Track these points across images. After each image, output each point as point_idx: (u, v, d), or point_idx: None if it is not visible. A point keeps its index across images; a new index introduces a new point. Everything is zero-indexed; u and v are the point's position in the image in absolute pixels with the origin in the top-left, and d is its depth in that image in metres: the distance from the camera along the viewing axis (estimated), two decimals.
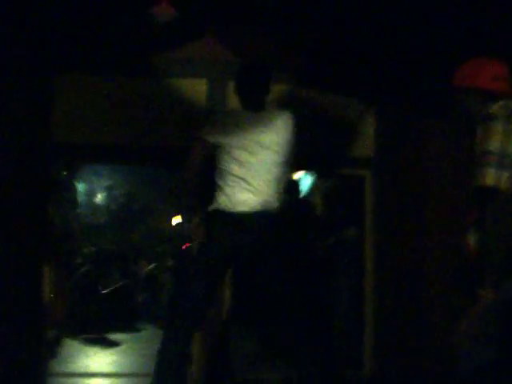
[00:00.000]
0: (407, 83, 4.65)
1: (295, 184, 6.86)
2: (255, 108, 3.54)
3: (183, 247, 10.74)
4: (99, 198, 11.29)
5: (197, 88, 4.63)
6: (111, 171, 10.89)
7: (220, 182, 3.42)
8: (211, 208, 3.43)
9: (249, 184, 3.38)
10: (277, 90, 4.62)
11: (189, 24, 4.53)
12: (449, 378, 3.72)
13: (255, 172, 3.41)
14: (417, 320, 4.63)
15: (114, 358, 5.30)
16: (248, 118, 3.50)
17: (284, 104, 4.64)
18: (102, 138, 4.56)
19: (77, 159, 5.18)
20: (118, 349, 5.75)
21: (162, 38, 4.51)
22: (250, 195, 3.37)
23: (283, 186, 3.58)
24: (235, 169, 3.39)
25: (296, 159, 4.65)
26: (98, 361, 5.19)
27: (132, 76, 4.60)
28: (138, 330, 6.90)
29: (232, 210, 3.35)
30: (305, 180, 7.23)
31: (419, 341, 4.56)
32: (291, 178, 6.80)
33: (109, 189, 11.07)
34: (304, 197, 7.10)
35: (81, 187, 9.88)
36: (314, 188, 7.26)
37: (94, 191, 11.22)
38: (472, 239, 3.15)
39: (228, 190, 3.38)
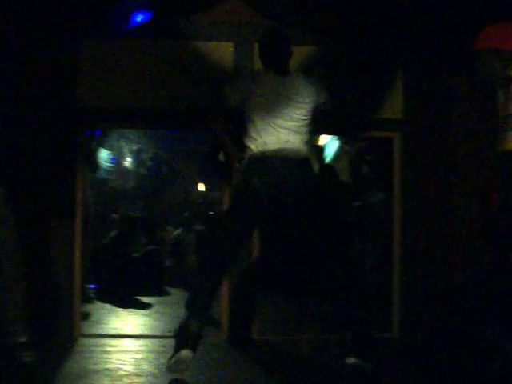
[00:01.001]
0: (434, 44, 4.58)
1: (320, 150, 6.85)
2: (280, 72, 3.70)
3: (210, 213, 10.81)
4: (127, 162, 11.32)
5: (224, 51, 4.60)
6: (139, 135, 10.91)
7: (248, 135, 3.60)
8: (245, 156, 3.60)
9: (277, 131, 3.54)
10: (304, 51, 4.62)
11: None
12: (476, 341, 3.73)
13: (282, 121, 3.57)
14: (445, 283, 4.63)
15: (145, 320, 5.38)
16: (272, 79, 3.66)
17: (310, 65, 4.62)
18: (130, 101, 4.57)
19: (104, 124, 5.17)
20: (147, 311, 5.83)
21: (188, 0, 4.48)
22: (280, 141, 3.52)
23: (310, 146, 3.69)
24: (260, 121, 3.56)
25: (323, 123, 4.67)
26: (129, 322, 5.26)
27: (159, 39, 4.58)
28: (166, 294, 6.98)
29: (264, 155, 3.50)
30: (331, 145, 7.21)
31: (447, 304, 4.56)
32: (316, 144, 6.80)
33: (137, 153, 11.08)
34: (330, 162, 7.09)
35: (108, 152, 9.92)
36: (341, 152, 7.23)
37: (122, 156, 11.24)
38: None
39: (257, 137, 3.54)
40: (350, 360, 3.51)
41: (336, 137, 6.86)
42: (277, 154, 3.50)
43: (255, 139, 3.55)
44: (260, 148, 3.52)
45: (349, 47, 4.73)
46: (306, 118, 3.67)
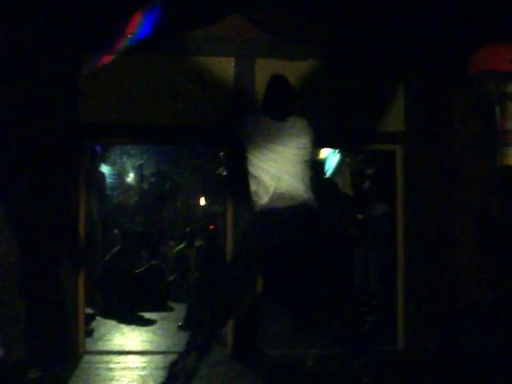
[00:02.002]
0: (435, 56, 4.60)
1: (320, 164, 6.84)
2: (281, 117, 3.83)
3: (210, 227, 10.78)
4: (130, 177, 11.33)
5: (225, 66, 4.62)
6: (141, 151, 10.93)
7: (252, 185, 3.71)
8: (251, 207, 3.73)
9: (279, 180, 3.62)
10: (305, 65, 4.64)
11: (216, 1, 4.52)
12: (481, 349, 3.72)
13: (283, 168, 3.67)
14: (449, 293, 4.61)
15: (148, 336, 5.35)
16: (274, 125, 3.78)
17: (311, 80, 4.64)
18: (131, 117, 4.58)
19: (106, 139, 5.18)
20: (151, 327, 5.80)
21: (189, 16, 4.49)
22: (283, 190, 3.60)
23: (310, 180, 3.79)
24: (265, 169, 3.66)
25: (325, 137, 4.69)
26: (133, 339, 5.24)
27: (161, 55, 4.60)
28: (169, 309, 6.95)
29: (267, 207, 3.60)
30: (332, 158, 7.19)
31: (452, 312, 4.55)
32: (317, 157, 6.79)
33: (139, 168, 11.08)
34: (331, 175, 7.07)
35: (111, 167, 9.93)
36: (342, 165, 7.22)
37: (124, 171, 11.25)
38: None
39: (260, 189, 3.64)
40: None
41: (337, 150, 6.86)
42: (283, 204, 3.60)
43: (259, 188, 3.66)
44: (266, 198, 3.61)
45: (349, 61, 4.75)
46: (307, 160, 3.79)
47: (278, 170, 3.63)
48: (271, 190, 3.59)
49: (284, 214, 3.57)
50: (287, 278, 4.22)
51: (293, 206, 3.59)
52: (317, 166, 6.81)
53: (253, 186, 3.69)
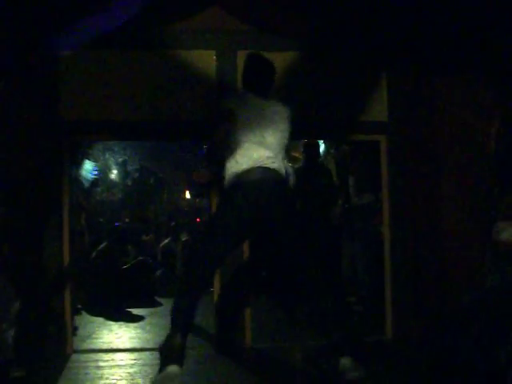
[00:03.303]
0: (418, 44, 4.60)
1: (315, 147, 6.86)
2: (262, 96, 3.79)
3: (197, 220, 10.77)
4: (114, 174, 11.31)
5: (206, 60, 4.59)
6: (124, 147, 10.92)
7: (231, 153, 3.61)
8: (227, 174, 3.62)
9: (259, 151, 3.59)
10: (286, 56, 4.62)
11: None
12: (470, 339, 3.74)
13: (267, 142, 3.65)
14: (436, 283, 4.63)
15: (137, 332, 5.33)
16: (256, 101, 3.74)
17: (293, 71, 4.62)
18: (112, 114, 4.54)
19: (88, 136, 5.14)
20: (139, 323, 5.78)
21: (168, 9, 4.46)
22: (262, 159, 3.58)
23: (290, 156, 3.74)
24: (244, 140, 3.60)
25: (309, 126, 4.68)
26: (121, 336, 5.21)
27: (140, 50, 4.56)
28: (158, 305, 6.93)
29: (244, 178, 3.54)
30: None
31: (439, 302, 4.57)
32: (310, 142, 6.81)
33: (123, 165, 11.07)
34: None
35: (94, 164, 9.91)
36: (326, 155, 7.24)
37: (108, 168, 11.24)
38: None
39: (241, 156, 3.59)
40: (343, 363, 3.47)
41: (322, 140, 6.87)
42: (259, 173, 3.55)
43: (239, 157, 3.59)
44: (244, 166, 3.56)
45: (331, 51, 4.73)
46: (285, 142, 3.77)
47: (259, 141, 3.61)
48: (247, 159, 3.56)
49: (259, 187, 3.53)
50: (269, 255, 4.16)
51: (268, 179, 3.56)
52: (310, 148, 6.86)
53: (231, 154, 3.62)
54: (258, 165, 3.55)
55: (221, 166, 3.68)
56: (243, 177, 3.54)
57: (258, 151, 3.58)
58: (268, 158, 3.59)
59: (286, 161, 3.76)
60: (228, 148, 3.62)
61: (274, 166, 3.60)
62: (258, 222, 3.59)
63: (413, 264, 4.69)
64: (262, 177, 3.54)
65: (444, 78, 4.62)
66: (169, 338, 3.44)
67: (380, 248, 4.89)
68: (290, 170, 3.83)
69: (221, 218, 3.60)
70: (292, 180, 3.85)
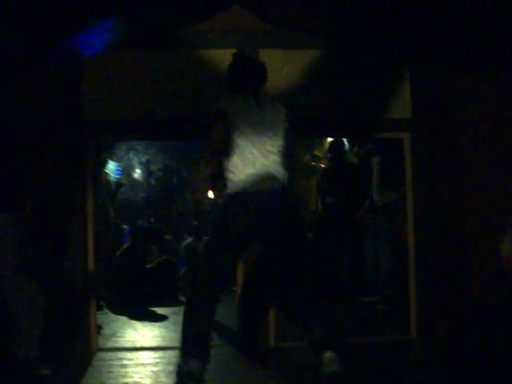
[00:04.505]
0: (442, 41, 4.55)
1: (341, 145, 6.83)
2: (255, 97, 3.61)
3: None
4: (137, 173, 11.38)
5: (229, 58, 4.58)
6: (148, 146, 10.98)
7: (236, 159, 3.47)
8: (227, 189, 3.49)
9: (258, 158, 3.46)
10: (307, 54, 4.61)
11: None
12: (494, 337, 3.71)
13: (268, 148, 3.51)
14: (461, 281, 4.59)
15: (161, 331, 5.35)
16: (256, 103, 3.59)
17: (315, 69, 4.61)
18: (137, 113, 4.56)
19: (111, 136, 5.16)
20: (163, 322, 5.81)
21: (191, 9, 4.47)
22: (259, 171, 3.43)
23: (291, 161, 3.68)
24: (250, 145, 3.46)
25: (333, 125, 4.66)
26: (145, 335, 5.24)
27: (163, 50, 4.58)
28: (181, 304, 6.95)
29: (243, 187, 3.41)
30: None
31: (463, 301, 4.53)
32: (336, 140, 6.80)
33: (146, 164, 11.14)
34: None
35: (118, 164, 9.97)
36: (349, 153, 7.21)
37: (131, 167, 11.31)
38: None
39: (245, 162, 3.45)
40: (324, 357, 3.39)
41: (345, 137, 6.85)
42: (258, 184, 3.43)
43: (241, 165, 3.45)
44: (247, 175, 3.43)
45: (353, 48, 4.70)
46: (284, 145, 3.62)
47: (260, 148, 3.48)
48: (248, 168, 3.43)
49: (259, 198, 3.41)
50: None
51: (268, 189, 3.44)
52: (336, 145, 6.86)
53: (229, 163, 3.48)
54: (262, 174, 3.44)
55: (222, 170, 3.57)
56: (248, 187, 3.41)
57: (260, 159, 3.46)
58: (270, 165, 3.48)
59: (285, 164, 3.61)
60: (228, 154, 3.50)
61: (277, 174, 3.49)
62: (258, 233, 3.47)
63: (437, 262, 4.65)
64: (266, 188, 3.43)
65: (469, 74, 4.57)
66: (184, 367, 3.31)
67: (404, 246, 4.85)
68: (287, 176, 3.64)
69: (222, 230, 3.45)
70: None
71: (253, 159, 3.45)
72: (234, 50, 3.86)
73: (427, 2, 4.29)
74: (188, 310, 3.45)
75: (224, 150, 3.52)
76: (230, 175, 3.47)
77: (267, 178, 3.46)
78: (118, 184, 7.63)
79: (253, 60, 3.77)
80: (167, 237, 10.07)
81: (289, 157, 3.67)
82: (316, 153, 8.59)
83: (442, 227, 4.67)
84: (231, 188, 3.45)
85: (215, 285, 3.45)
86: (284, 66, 4.63)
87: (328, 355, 3.32)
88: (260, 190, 3.42)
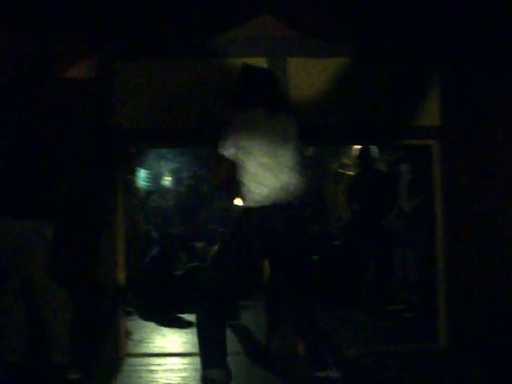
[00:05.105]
0: (471, 47, 4.53)
1: (369, 153, 6.82)
2: (272, 111, 3.54)
3: None
4: (167, 181, 11.46)
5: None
6: (177, 154, 11.04)
7: (245, 183, 3.44)
8: (243, 206, 3.49)
9: (271, 180, 3.40)
10: (337, 62, 4.61)
11: (244, 2, 4.52)
12: None
13: (284, 162, 3.46)
14: (491, 288, 4.55)
15: (188, 337, 5.37)
16: (269, 118, 3.50)
17: (346, 76, 4.61)
18: (166, 121, 4.60)
19: (141, 144, 5.23)
20: (191, 329, 5.79)
21: (218, 18, 4.50)
22: (276, 190, 3.39)
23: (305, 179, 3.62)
24: (258, 169, 3.40)
25: (361, 132, 4.66)
26: (173, 341, 5.28)
27: (192, 58, 4.62)
28: None
29: (262, 205, 3.38)
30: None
31: (495, 308, 4.48)
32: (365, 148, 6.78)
33: (175, 172, 11.21)
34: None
35: (148, 171, 10.08)
36: (377, 161, 7.19)
37: (161, 175, 11.39)
38: None
39: (254, 187, 3.40)
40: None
41: (373, 146, 6.83)
42: (278, 205, 3.39)
43: (262, 181, 3.40)
44: (267, 194, 3.39)
45: (382, 54, 4.69)
46: (299, 156, 3.58)
47: (276, 163, 3.42)
48: (271, 187, 3.39)
49: (278, 216, 3.38)
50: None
51: (287, 206, 3.41)
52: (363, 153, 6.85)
53: (250, 179, 3.42)
54: (281, 192, 3.40)
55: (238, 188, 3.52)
56: (268, 207, 3.37)
57: (278, 175, 3.41)
58: (288, 181, 3.44)
59: (300, 176, 3.56)
60: (245, 171, 3.43)
61: (295, 191, 3.46)
62: (272, 248, 3.48)
63: (467, 269, 4.61)
64: (285, 208, 3.39)
65: (499, 79, 4.53)
66: (208, 378, 3.35)
67: (433, 253, 4.82)
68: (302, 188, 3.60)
69: (237, 245, 3.42)
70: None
71: (272, 176, 3.40)
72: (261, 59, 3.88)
73: (456, 6, 4.27)
74: (201, 322, 3.49)
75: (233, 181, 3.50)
76: (250, 194, 3.42)
77: (289, 198, 3.43)
78: (148, 192, 7.70)
79: (261, 70, 3.81)
80: (196, 244, 10.11)
81: (302, 168, 3.61)
82: (344, 160, 8.57)
83: (471, 234, 4.63)
84: (255, 205, 3.40)
85: (226, 295, 3.48)
86: (311, 75, 4.63)
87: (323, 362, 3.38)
88: (283, 211, 3.40)
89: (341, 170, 8.49)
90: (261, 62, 4.54)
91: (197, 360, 4.33)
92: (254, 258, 3.49)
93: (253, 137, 3.41)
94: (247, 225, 3.42)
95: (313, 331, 3.50)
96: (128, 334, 5.04)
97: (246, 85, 3.68)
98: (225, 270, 3.42)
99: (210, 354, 3.40)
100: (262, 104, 3.54)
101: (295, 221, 3.46)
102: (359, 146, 7.00)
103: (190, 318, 6.36)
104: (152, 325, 6.04)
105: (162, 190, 11.40)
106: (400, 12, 4.42)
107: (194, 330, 5.63)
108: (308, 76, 4.62)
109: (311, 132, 4.58)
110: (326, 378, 3.35)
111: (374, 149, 6.94)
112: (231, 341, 4.98)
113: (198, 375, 3.87)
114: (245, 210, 3.46)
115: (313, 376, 3.43)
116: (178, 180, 11.32)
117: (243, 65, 3.79)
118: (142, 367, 4.26)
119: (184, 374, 4.01)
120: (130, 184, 6.23)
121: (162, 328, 5.88)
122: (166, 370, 4.17)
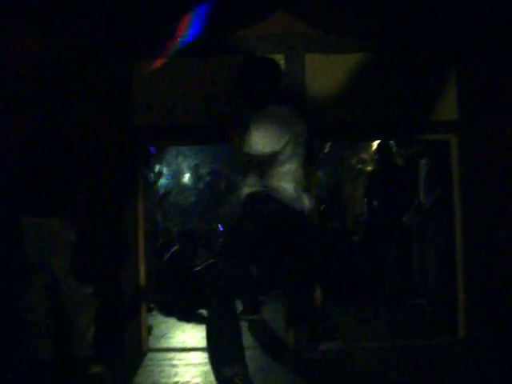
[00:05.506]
0: (491, 40, 4.51)
1: (388, 148, 6.81)
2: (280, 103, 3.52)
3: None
4: (186, 178, 11.52)
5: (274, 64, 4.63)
6: (196, 151, 11.10)
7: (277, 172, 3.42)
8: (251, 191, 3.46)
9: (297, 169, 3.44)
10: (355, 58, 4.62)
11: None
12: None
13: (298, 157, 3.47)
14: (510, 282, 4.54)
15: None
16: (282, 113, 3.45)
17: (364, 71, 4.62)
18: (186, 119, 4.64)
19: (161, 141, 5.28)
20: None
21: (237, 15, 4.53)
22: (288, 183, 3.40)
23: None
24: (288, 157, 3.40)
25: (380, 127, 4.66)
26: (194, 336, 5.31)
27: (211, 56, 4.65)
28: None
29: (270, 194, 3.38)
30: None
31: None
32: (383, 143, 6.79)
33: (195, 169, 11.26)
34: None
35: (167, 168, 10.16)
36: (396, 155, 7.18)
37: (180, 172, 11.46)
38: None
39: (284, 174, 3.40)
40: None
41: (392, 141, 6.83)
42: (302, 199, 3.43)
43: (284, 177, 3.41)
44: (289, 189, 3.40)
45: (399, 50, 4.69)
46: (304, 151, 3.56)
47: (294, 159, 3.42)
48: (290, 183, 3.39)
49: (282, 208, 3.37)
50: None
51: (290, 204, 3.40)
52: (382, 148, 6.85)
53: (273, 174, 3.41)
54: (297, 189, 3.42)
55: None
56: (290, 204, 3.38)
57: (296, 171, 3.43)
58: (300, 176, 3.47)
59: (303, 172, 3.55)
60: (268, 165, 3.42)
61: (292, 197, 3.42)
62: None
63: (486, 264, 4.60)
64: (302, 205, 3.43)
65: None
66: (228, 378, 3.25)
67: (452, 248, 4.82)
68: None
69: (242, 233, 3.41)
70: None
71: (291, 171, 3.41)
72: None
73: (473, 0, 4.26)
74: (213, 317, 3.43)
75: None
76: (274, 189, 3.41)
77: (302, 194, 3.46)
78: (168, 188, 7.76)
79: (263, 59, 3.76)
80: (214, 240, 10.15)
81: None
82: (362, 155, 8.57)
83: (491, 230, 4.62)
84: (278, 201, 3.39)
85: (234, 291, 3.47)
86: (329, 71, 4.64)
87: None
88: (302, 208, 3.43)
89: (359, 166, 8.48)
90: (279, 59, 4.57)
91: None
92: (257, 244, 3.42)
93: (271, 134, 3.36)
94: (251, 210, 3.41)
95: (299, 305, 3.60)
96: (149, 329, 5.10)
97: (250, 74, 3.60)
98: (230, 259, 3.39)
99: (225, 350, 3.31)
100: (268, 93, 3.52)
101: (300, 211, 3.44)
102: (378, 142, 7.00)
103: None
104: (172, 320, 6.09)
105: (182, 187, 11.47)
106: (418, 7, 4.42)
107: None
108: (326, 72, 4.64)
109: (330, 128, 4.61)
110: None
111: (393, 144, 6.94)
112: (249, 336, 5.07)
113: None
114: (249, 195, 3.46)
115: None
116: (196, 177, 11.38)
117: (245, 56, 3.78)
118: (163, 362, 4.31)
119: (204, 368, 4.03)
120: (150, 181, 6.28)
121: (183, 323, 5.92)
122: (186, 365, 4.22)
